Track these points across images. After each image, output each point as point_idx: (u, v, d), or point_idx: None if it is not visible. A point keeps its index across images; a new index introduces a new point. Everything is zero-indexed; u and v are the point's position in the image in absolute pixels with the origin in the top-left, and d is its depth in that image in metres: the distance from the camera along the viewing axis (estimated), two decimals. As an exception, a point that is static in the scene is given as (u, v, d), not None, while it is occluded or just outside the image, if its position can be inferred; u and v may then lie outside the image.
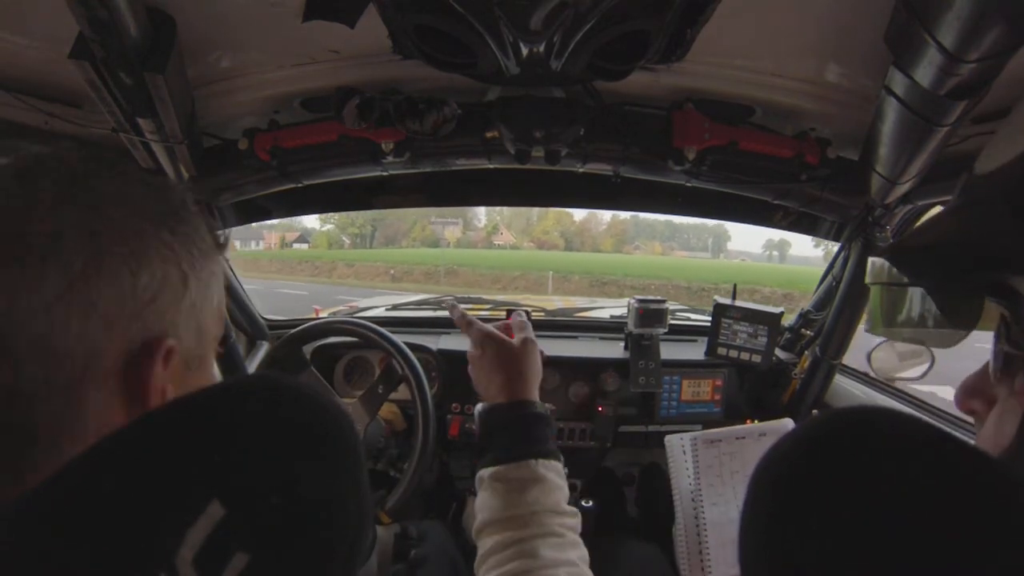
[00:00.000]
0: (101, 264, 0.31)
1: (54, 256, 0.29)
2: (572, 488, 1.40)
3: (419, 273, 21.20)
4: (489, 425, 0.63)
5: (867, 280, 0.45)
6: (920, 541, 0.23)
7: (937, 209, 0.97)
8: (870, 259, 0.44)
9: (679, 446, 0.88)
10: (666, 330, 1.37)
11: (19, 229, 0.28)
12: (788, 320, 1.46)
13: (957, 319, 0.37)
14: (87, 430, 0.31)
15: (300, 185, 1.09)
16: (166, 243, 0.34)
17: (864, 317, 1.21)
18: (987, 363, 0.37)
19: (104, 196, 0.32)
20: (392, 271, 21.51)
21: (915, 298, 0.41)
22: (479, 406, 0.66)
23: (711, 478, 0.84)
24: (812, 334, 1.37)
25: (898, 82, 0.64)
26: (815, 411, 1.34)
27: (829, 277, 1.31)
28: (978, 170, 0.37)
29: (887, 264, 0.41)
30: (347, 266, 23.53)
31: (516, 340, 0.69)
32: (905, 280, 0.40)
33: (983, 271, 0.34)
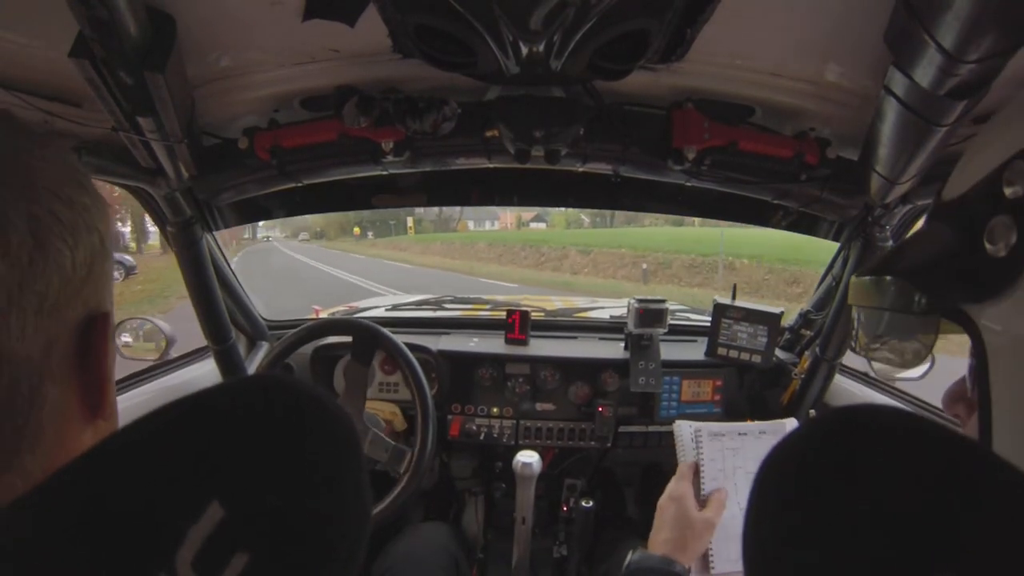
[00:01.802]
0: (45, 250, 0.28)
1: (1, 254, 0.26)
2: (572, 488, 1.40)
3: (680, 266, 14.01)
4: (639, 567, 0.74)
5: (849, 300, 0.49)
6: (920, 532, 0.23)
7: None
8: (852, 279, 0.47)
9: (688, 433, 0.89)
10: (666, 330, 1.37)
11: None
12: (788, 320, 1.46)
13: (918, 341, 0.43)
14: (44, 431, 0.29)
15: (300, 184, 1.09)
16: (85, 206, 0.31)
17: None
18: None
19: (26, 168, 0.29)
20: (645, 263, 14.40)
21: (887, 320, 0.46)
22: (637, 552, 0.76)
23: (714, 471, 0.85)
24: (812, 334, 1.37)
25: (898, 82, 0.64)
26: (812, 411, 1.34)
27: (829, 277, 1.31)
28: (945, 195, 0.40)
29: (864, 286, 0.45)
30: (581, 253, 17.07)
31: (701, 516, 0.78)
32: (878, 304, 0.44)
33: (941, 299, 0.39)
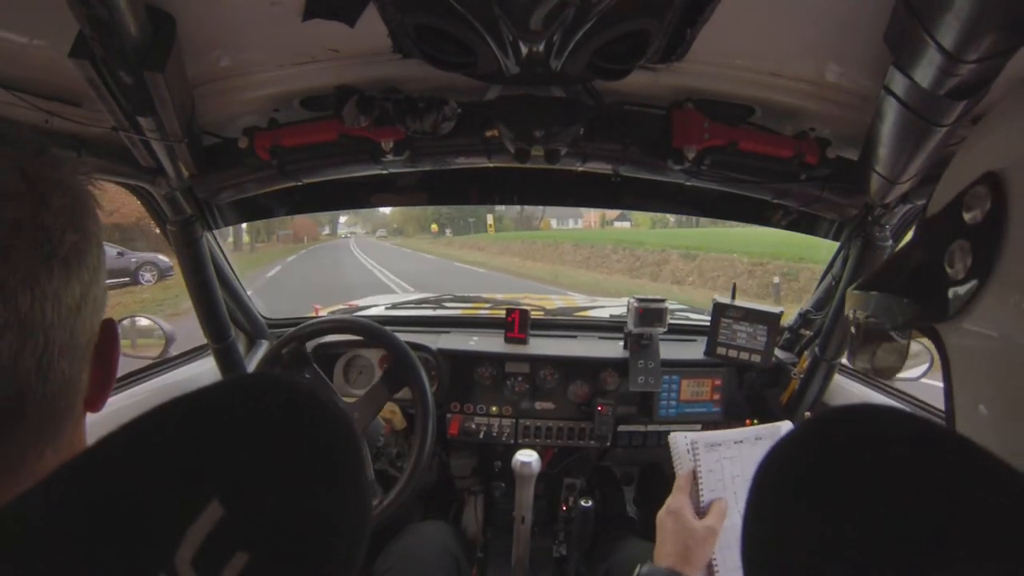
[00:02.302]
0: (101, 259, 0.35)
1: (83, 261, 0.33)
2: (571, 487, 1.40)
3: (808, 278, 9.96)
4: None
5: (845, 311, 0.51)
6: (916, 529, 0.23)
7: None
8: (848, 291, 0.48)
9: (683, 444, 0.88)
10: (665, 329, 1.37)
11: (51, 237, 0.31)
12: (787, 320, 1.46)
13: (891, 357, 0.46)
14: (76, 413, 0.34)
15: (300, 184, 1.09)
16: (100, 224, 0.36)
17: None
18: None
19: (89, 198, 0.35)
20: (776, 276, 10.80)
21: (868, 332, 0.48)
22: (645, 566, 0.77)
23: (713, 483, 0.84)
24: (811, 334, 1.37)
25: (898, 82, 0.64)
26: (807, 413, 1.34)
27: (828, 277, 1.31)
28: (928, 212, 0.42)
29: (858, 299, 0.47)
30: (685, 259, 13.62)
31: (702, 525, 0.78)
32: (861, 319, 0.47)
33: (917, 319, 0.40)
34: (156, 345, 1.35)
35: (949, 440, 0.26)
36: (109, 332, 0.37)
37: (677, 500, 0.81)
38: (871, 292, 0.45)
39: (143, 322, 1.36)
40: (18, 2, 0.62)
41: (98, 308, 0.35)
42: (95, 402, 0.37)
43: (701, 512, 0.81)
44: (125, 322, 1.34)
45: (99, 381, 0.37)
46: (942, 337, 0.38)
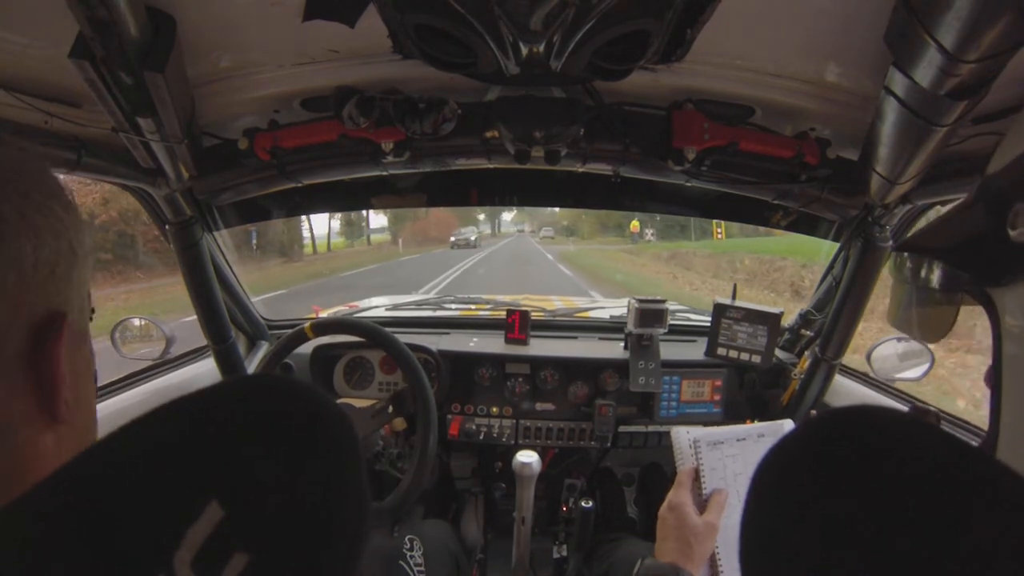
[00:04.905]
0: (6, 245, 0.30)
1: None
2: (572, 488, 1.40)
3: None
4: (649, 575, 0.76)
5: (888, 272, 0.48)
6: (915, 531, 0.23)
7: (937, 210, 0.97)
8: (891, 253, 0.46)
9: (686, 440, 0.88)
10: (666, 330, 1.37)
11: None
12: (788, 320, 1.46)
13: (937, 320, 0.43)
14: (10, 431, 0.30)
15: (300, 185, 1.09)
16: (55, 213, 0.33)
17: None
18: None
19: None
20: None
21: (912, 294, 0.45)
22: (647, 560, 0.78)
23: (715, 481, 0.84)
24: (812, 334, 1.37)
25: (898, 82, 0.64)
26: (812, 412, 1.34)
27: (829, 277, 1.31)
28: (989, 169, 0.39)
29: (901, 262, 0.45)
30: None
31: (702, 520, 0.79)
32: (906, 279, 0.44)
33: (969, 282, 0.39)
34: (156, 346, 1.34)
35: (948, 442, 0.26)
36: (44, 335, 0.32)
37: (678, 496, 0.82)
38: (917, 256, 0.43)
39: (143, 323, 1.36)
40: (18, 2, 0.62)
41: (18, 308, 0.30)
42: (51, 413, 0.32)
43: (702, 505, 0.82)
44: (127, 323, 1.34)
45: (40, 392, 0.32)
46: (996, 304, 0.37)
